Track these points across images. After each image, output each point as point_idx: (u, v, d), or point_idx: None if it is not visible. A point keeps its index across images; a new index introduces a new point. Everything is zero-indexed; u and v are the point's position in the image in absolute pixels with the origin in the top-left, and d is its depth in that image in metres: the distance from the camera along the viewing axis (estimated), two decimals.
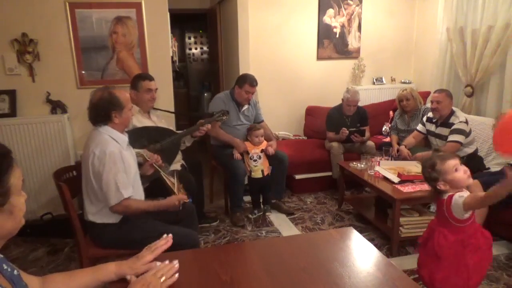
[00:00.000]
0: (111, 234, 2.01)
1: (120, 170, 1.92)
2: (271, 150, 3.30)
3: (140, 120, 2.71)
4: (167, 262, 1.23)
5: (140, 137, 2.52)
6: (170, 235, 1.34)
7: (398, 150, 3.58)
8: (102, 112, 1.95)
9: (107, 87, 2.03)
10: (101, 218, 2.00)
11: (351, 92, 3.77)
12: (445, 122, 3.27)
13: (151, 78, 2.81)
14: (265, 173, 3.28)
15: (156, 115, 2.94)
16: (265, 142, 3.33)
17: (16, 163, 0.95)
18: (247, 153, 3.26)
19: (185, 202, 2.18)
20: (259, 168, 3.26)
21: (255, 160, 3.25)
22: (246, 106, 3.42)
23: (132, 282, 1.17)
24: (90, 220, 2.02)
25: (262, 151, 3.29)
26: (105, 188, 1.91)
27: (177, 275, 1.20)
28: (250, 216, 3.40)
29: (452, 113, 3.26)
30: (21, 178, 0.96)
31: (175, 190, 2.18)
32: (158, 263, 1.23)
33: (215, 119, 3.04)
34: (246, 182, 3.61)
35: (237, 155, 3.24)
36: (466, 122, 3.20)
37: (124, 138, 2.05)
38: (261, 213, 3.46)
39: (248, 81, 3.26)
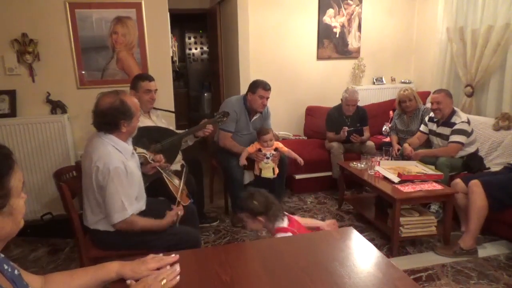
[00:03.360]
0: (113, 239, 1.98)
1: (124, 186, 1.86)
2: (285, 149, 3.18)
3: (141, 120, 2.71)
4: (168, 267, 1.23)
5: (141, 137, 2.52)
6: (177, 256, 1.31)
7: (398, 150, 3.58)
8: (111, 120, 1.85)
9: (118, 92, 1.91)
10: (102, 226, 1.96)
11: (349, 92, 3.78)
12: (446, 121, 3.27)
13: (150, 79, 2.80)
14: (276, 172, 3.13)
15: (156, 115, 2.94)
16: (276, 143, 3.19)
17: (18, 165, 0.94)
18: (260, 150, 3.11)
19: (184, 205, 2.17)
20: (270, 166, 3.10)
21: (267, 158, 3.09)
22: (257, 115, 3.32)
23: (132, 285, 1.17)
24: (91, 228, 1.99)
25: (276, 149, 3.14)
26: (108, 205, 1.85)
27: (178, 277, 1.19)
28: None
29: (453, 112, 3.26)
30: (21, 181, 0.95)
31: (178, 195, 2.16)
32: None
33: (215, 121, 3.01)
34: (245, 182, 3.60)
35: (242, 162, 3.09)
36: (468, 122, 3.20)
37: (128, 148, 1.97)
38: None
39: (261, 86, 3.14)
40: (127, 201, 1.87)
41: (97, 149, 1.86)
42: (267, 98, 3.19)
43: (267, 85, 3.18)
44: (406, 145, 3.43)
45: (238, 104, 3.26)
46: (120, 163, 1.86)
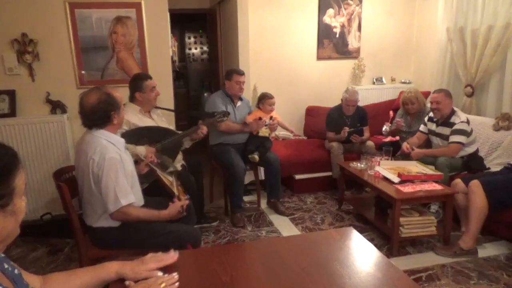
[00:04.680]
0: (113, 237, 1.99)
1: (119, 177, 1.87)
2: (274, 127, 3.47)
3: (141, 119, 2.72)
4: (166, 275, 1.23)
5: (141, 137, 2.53)
6: (177, 254, 1.32)
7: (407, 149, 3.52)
8: (102, 114, 1.87)
9: (99, 87, 1.93)
10: (104, 223, 1.97)
11: (349, 92, 3.77)
12: (446, 121, 3.27)
13: (151, 76, 2.84)
14: (270, 134, 3.51)
15: (156, 114, 2.94)
16: (274, 111, 3.52)
17: (22, 166, 0.95)
18: (260, 118, 3.40)
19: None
20: (267, 131, 3.45)
21: (266, 125, 3.41)
22: (239, 103, 3.49)
23: (132, 286, 1.17)
24: (93, 226, 1.99)
25: (271, 118, 3.46)
26: (104, 195, 1.87)
27: (177, 284, 1.19)
28: (254, 156, 3.34)
29: (453, 112, 3.26)
30: (24, 182, 0.95)
31: (174, 190, 2.16)
32: (160, 273, 1.23)
33: (216, 120, 3.07)
34: (246, 182, 3.61)
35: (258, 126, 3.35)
36: (468, 122, 3.20)
37: (121, 140, 1.99)
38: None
39: (235, 72, 3.39)
40: (121, 191, 1.87)
41: (91, 144, 1.88)
42: (243, 82, 3.41)
43: (241, 70, 3.46)
44: (404, 143, 3.43)
45: (220, 94, 3.49)
46: (115, 153, 1.88)
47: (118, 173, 1.87)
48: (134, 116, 2.68)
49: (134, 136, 2.49)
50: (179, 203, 2.07)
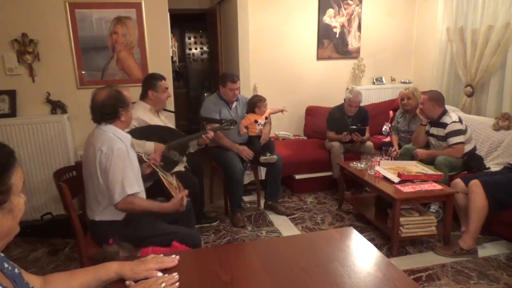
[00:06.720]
0: (116, 232, 1.99)
1: (126, 167, 1.92)
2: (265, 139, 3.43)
3: (151, 118, 2.75)
4: (166, 275, 1.23)
5: (150, 135, 2.55)
6: (178, 256, 1.33)
7: (396, 153, 3.56)
8: (110, 109, 1.94)
9: (111, 85, 2.02)
10: (107, 216, 1.99)
11: (353, 93, 3.76)
12: (437, 122, 3.28)
13: (165, 78, 2.87)
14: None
15: (164, 116, 2.97)
16: (268, 110, 3.51)
17: (19, 164, 0.95)
18: (256, 121, 3.41)
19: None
20: (260, 129, 3.47)
21: (263, 125, 3.45)
22: (234, 104, 3.49)
23: (132, 286, 1.17)
24: (96, 219, 2.00)
25: (266, 118, 3.48)
26: (110, 185, 1.90)
27: (177, 284, 1.20)
28: (271, 156, 3.35)
29: (444, 113, 3.26)
30: (22, 179, 0.96)
31: (171, 191, 2.17)
32: (159, 273, 1.23)
33: (223, 128, 3.13)
34: (246, 182, 3.60)
35: (243, 131, 3.37)
36: (460, 121, 3.20)
37: (128, 136, 2.05)
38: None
39: (229, 79, 3.33)
40: (127, 182, 1.91)
41: (99, 137, 1.93)
42: (237, 89, 3.37)
43: (235, 77, 3.36)
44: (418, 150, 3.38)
45: (215, 98, 3.47)
46: (122, 145, 1.94)
47: (125, 164, 1.92)
48: (144, 114, 2.71)
49: (144, 133, 2.52)
50: (180, 194, 2.10)
